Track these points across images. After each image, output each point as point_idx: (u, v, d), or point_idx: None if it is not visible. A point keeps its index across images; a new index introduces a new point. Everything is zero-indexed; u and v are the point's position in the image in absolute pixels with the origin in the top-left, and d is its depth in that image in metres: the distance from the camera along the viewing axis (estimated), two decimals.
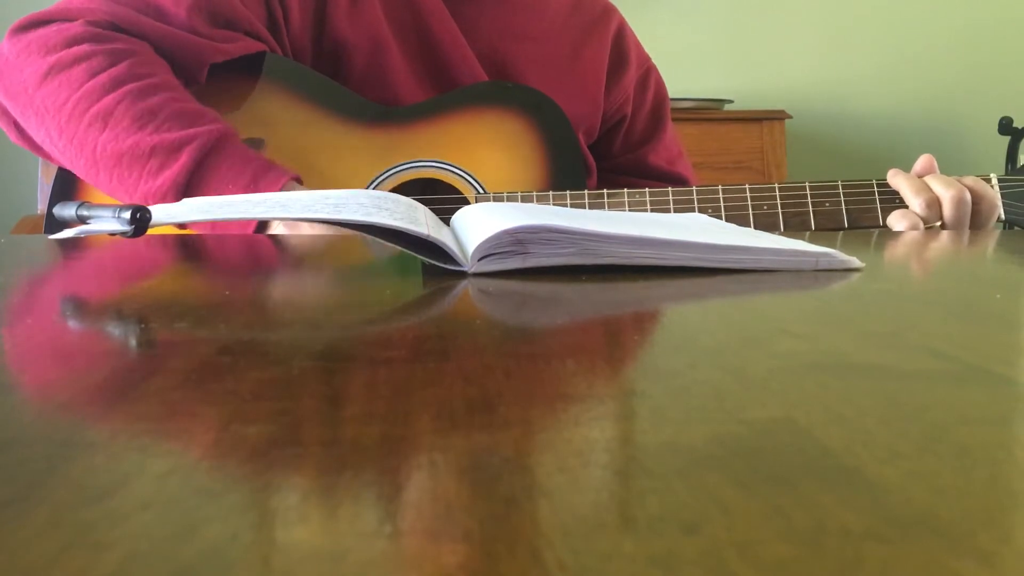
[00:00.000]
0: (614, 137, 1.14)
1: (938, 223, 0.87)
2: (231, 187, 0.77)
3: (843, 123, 2.52)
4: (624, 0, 1.29)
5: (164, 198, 0.77)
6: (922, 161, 0.91)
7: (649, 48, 1.19)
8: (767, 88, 2.48)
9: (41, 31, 0.83)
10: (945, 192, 0.86)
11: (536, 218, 0.44)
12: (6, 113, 0.86)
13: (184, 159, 0.77)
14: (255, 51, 0.91)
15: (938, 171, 0.91)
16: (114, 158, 0.78)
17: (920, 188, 0.87)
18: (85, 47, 0.81)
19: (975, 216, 0.88)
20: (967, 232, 0.86)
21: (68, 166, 0.84)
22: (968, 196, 0.86)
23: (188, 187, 0.77)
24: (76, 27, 0.82)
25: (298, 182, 0.80)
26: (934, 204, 0.86)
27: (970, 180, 0.89)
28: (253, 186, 0.77)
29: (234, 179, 0.77)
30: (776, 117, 2.18)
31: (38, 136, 0.84)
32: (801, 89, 2.49)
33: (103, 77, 0.79)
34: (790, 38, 2.51)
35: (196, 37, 0.86)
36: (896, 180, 0.89)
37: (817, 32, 2.51)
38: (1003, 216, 0.90)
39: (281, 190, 0.77)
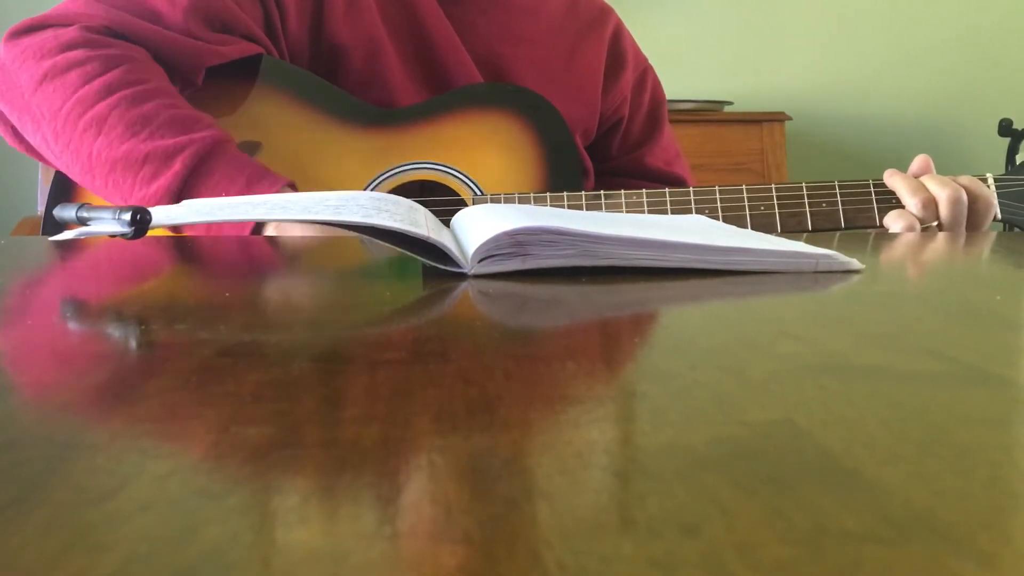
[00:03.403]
0: (611, 139, 1.13)
1: (935, 223, 0.87)
2: (224, 194, 0.77)
3: (843, 125, 2.52)
4: (624, 1, 1.29)
5: (158, 205, 0.77)
6: (918, 161, 0.91)
7: (649, 49, 1.19)
8: (767, 90, 2.48)
9: (37, 36, 0.83)
10: (941, 192, 0.86)
11: (536, 219, 0.44)
12: (3, 118, 0.86)
13: (177, 167, 0.77)
14: (251, 54, 0.91)
15: (934, 171, 0.91)
16: (108, 164, 0.78)
17: (916, 188, 0.87)
18: (80, 52, 0.81)
19: (971, 216, 0.88)
20: (964, 232, 0.86)
21: (64, 170, 0.84)
22: (964, 196, 0.86)
23: (181, 194, 0.77)
24: (71, 32, 0.82)
25: (292, 188, 0.80)
26: (930, 204, 0.86)
27: (966, 180, 0.89)
28: (247, 192, 0.77)
29: (228, 186, 0.78)
30: (776, 119, 2.18)
31: (35, 140, 0.84)
32: (801, 91, 2.50)
33: (97, 83, 0.79)
34: (790, 39, 2.51)
35: (192, 40, 0.86)
36: (892, 180, 0.89)
37: (817, 33, 2.51)
38: (1000, 216, 0.90)
39: None
